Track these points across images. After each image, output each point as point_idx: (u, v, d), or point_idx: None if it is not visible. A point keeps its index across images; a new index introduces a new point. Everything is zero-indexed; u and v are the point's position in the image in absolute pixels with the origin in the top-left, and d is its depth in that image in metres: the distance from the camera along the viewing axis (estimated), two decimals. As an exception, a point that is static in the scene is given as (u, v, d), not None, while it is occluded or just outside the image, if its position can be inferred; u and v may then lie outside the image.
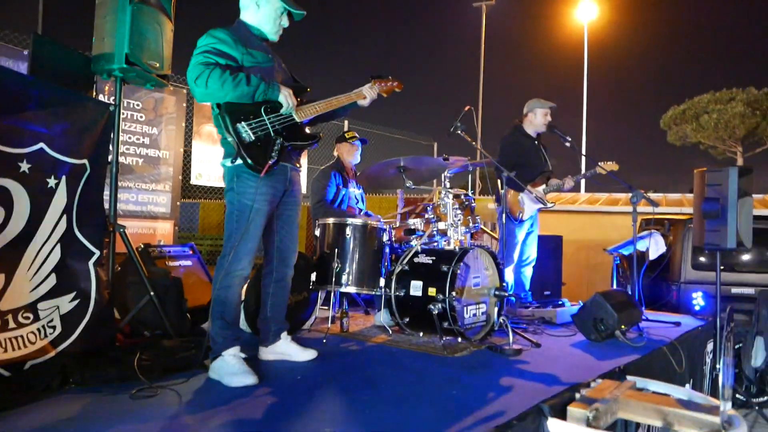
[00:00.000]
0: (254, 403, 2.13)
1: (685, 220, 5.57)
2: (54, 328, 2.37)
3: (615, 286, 4.89)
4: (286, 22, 2.63)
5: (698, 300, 5.25)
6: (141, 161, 5.46)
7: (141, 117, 5.45)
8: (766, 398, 4.75)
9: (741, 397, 4.63)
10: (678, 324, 4.20)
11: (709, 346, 4.37)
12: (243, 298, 2.94)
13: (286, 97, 2.47)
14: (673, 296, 5.55)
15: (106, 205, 2.84)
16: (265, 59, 2.52)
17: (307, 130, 2.59)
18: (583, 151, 5.14)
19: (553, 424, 2.10)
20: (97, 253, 2.65)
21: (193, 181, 6.50)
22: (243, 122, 2.36)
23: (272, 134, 2.43)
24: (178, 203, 5.83)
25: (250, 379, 2.30)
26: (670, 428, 2.27)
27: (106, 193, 2.83)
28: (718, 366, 4.25)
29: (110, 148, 2.85)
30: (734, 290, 5.28)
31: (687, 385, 3.76)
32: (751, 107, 22.85)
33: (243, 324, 3.16)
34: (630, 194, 4.13)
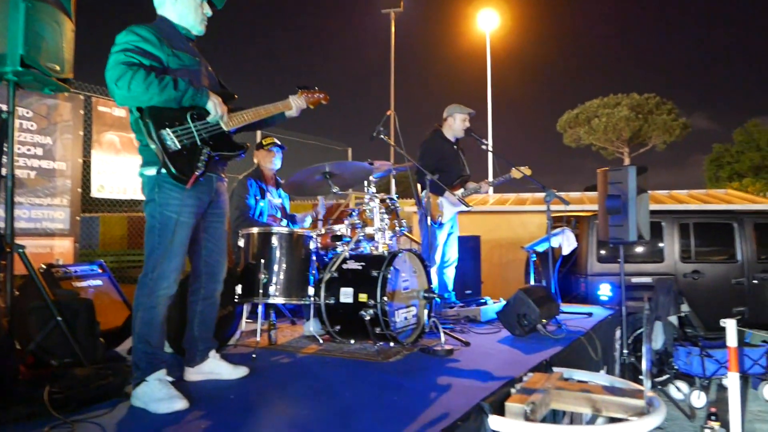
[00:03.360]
0: (187, 429, 1.99)
1: (589, 217, 5.95)
2: (-56, 365, 2.09)
3: (532, 282, 5.12)
4: (208, 11, 2.48)
5: (604, 291, 5.64)
6: (34, 174, 4.97)
7: (32, 126, 4.97)
8: (665, 377, 5.18)
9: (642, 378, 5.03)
10: (590, 315, 4.48)
11: (617, 333, 4.70)
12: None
13: (215, 105, 2.33)
14: (582, 288, 5.92)
15: (2, 224, 2.55)
16: (192, 62, 2.37)
17: (234, 140, 2.47)
18: (493, 155, 5.34)
19: (493, 420, 2.15)
20: (-7, 277, 2.37)
21: (95, 194, 5.99)
22: (168, 128, 2.19)
23: (199, 143, 2.28)
24: (77, 218, 5.38)
25: (179, 404, 2.14)
26: (598, 414, 2.40)
27: (1, 210, 2.53)
28: (625, 351, 4.60)
29: (3, 159, 2.56)
30: (634, 280, 5.72)
31: (602, 371, 4.01)
32: (634, 111, 25.09)
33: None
34: (543, 194, 4.35)
